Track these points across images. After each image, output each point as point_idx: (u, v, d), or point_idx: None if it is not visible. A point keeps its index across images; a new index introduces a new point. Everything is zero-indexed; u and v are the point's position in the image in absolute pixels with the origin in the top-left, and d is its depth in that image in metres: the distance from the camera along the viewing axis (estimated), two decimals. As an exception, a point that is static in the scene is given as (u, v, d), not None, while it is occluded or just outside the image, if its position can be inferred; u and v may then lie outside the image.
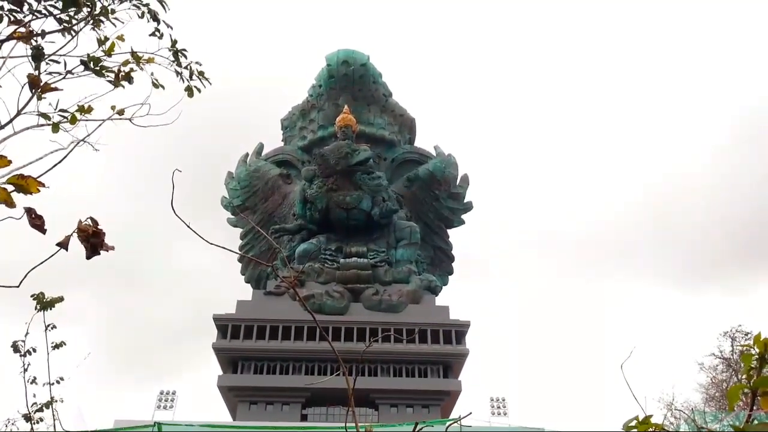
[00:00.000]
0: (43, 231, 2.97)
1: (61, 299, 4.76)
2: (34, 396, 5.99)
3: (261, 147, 65.90)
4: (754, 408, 2.40)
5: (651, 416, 2.53)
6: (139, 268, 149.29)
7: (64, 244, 3.07)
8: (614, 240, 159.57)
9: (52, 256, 3.15)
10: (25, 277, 3.18)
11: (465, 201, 64.73)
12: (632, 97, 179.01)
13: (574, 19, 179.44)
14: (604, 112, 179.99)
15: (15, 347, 5.73)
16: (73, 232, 3.11)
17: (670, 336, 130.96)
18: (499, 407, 49.10)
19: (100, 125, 4.28)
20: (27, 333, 5.43)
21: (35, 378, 5.90)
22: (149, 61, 4.49)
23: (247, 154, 65.13)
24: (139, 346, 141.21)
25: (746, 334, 42.42)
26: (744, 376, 2.46)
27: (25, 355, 5.72)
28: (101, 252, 3.19)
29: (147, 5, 4.44)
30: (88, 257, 3.17)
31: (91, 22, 4.20)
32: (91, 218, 3.16)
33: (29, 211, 2.90)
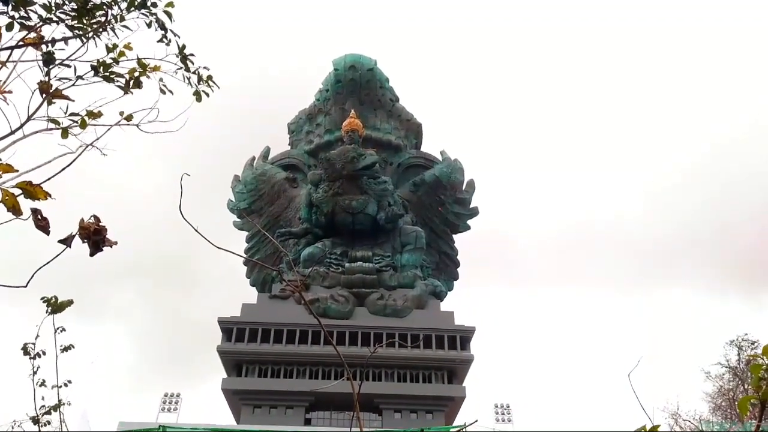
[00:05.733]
0: (48, 232, 3.01)
1: (70, 302, 4.79)
2: (43, 399, 6.03)
3: (267, 151, 66.12)
4: (763, 419, 2.38)
5: (658, 426, 2.52)
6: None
7: (67, 242, 3.11)
8: (633, 242, 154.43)
9: (59, 255, 3.18)
10: (32, 277, 3.22)
11: (471, 206, 64.66)
12: (650, 94, 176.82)
13: (582, 22, 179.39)
14: (617, 113, 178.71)
15: (25, 350, 5.77)
16: (78, 230, 3.15)
17: (687, 343, 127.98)
18: (503, 414, 48.87)
19: (108, 130, 4.33)
20: (37, 336, 5.47)
21: (44, 381, 5.94)
22: (155, 69, 4.55)
23: (253, 158, 65.34)
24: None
25: (753, 343, 42.12)
26: (751, 387, 2.44)
27: (34, 358, 5.77)
28: (104, 248, 3.23)
29: (155, 15, 4.51)
30: (92, 254, 3.21)
31: (103, 30, 4.27)
32: (95, 216, 3.20)
33: (35, 213, 2.94)
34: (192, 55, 4.79)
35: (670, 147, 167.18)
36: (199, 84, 4.91)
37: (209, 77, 4.93)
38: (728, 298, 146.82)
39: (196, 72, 4.87)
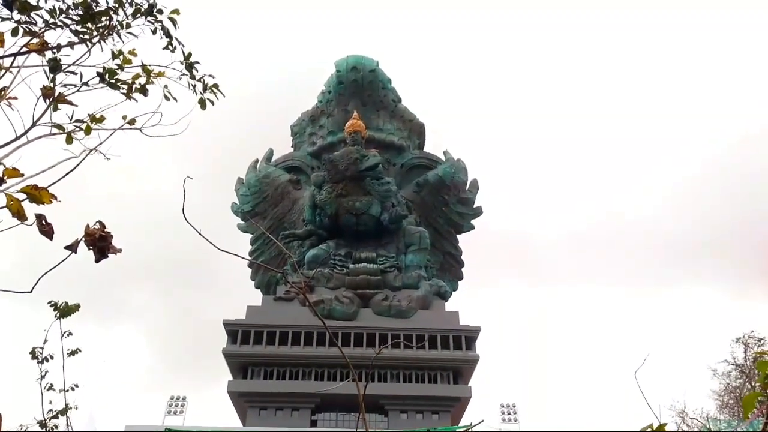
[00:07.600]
0: (51, 237, 3.02)
1: (77, 307, 4.81)
2: (50, 402, 6.05)
3: (271, 153, 66.21)
4: (770, 417, 2.37)
5: (665, 425, 2.52)
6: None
7: (73, 248, 3.12)
8: (649, 241, 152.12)
9: (63, 261, 3.19)
10: (37, 282, 3.23)
11: (474, 206, 64.62)
12: (668, 90, 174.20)
13: (587, 21, 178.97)
14: (633, 110, 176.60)
15: (33, 354, 5.80)
16: (83, 236, 3.16)
17: (696, 341, 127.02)
18: (509, 414, 48.79)
19: (111, 134, 4.35)
20: (45, 340, 5.50)
21: (52, 385, 5.97)
22: (159, 75, 4.58)
23: (257, 160, 65.45)
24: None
25: (759, 341, 41.95)
26: (758, 384, 2.44)
27: (42, 362, 5.79)
28: (109, 255, 3.24)
29: (160, 22, 4.53)
30: (97, 261, 3.22)
31: (108, 34, 4.30)
32: (100, 222, 3.21)
33: (39, 218, 2.95)
34: (197, 62, 4.81)
35: (687, 145, 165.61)
36: (204, 92, 4.93)
37: (215, 85, 4.96)
38: (748, 294, 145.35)
39: (201, 80, 4.90)
